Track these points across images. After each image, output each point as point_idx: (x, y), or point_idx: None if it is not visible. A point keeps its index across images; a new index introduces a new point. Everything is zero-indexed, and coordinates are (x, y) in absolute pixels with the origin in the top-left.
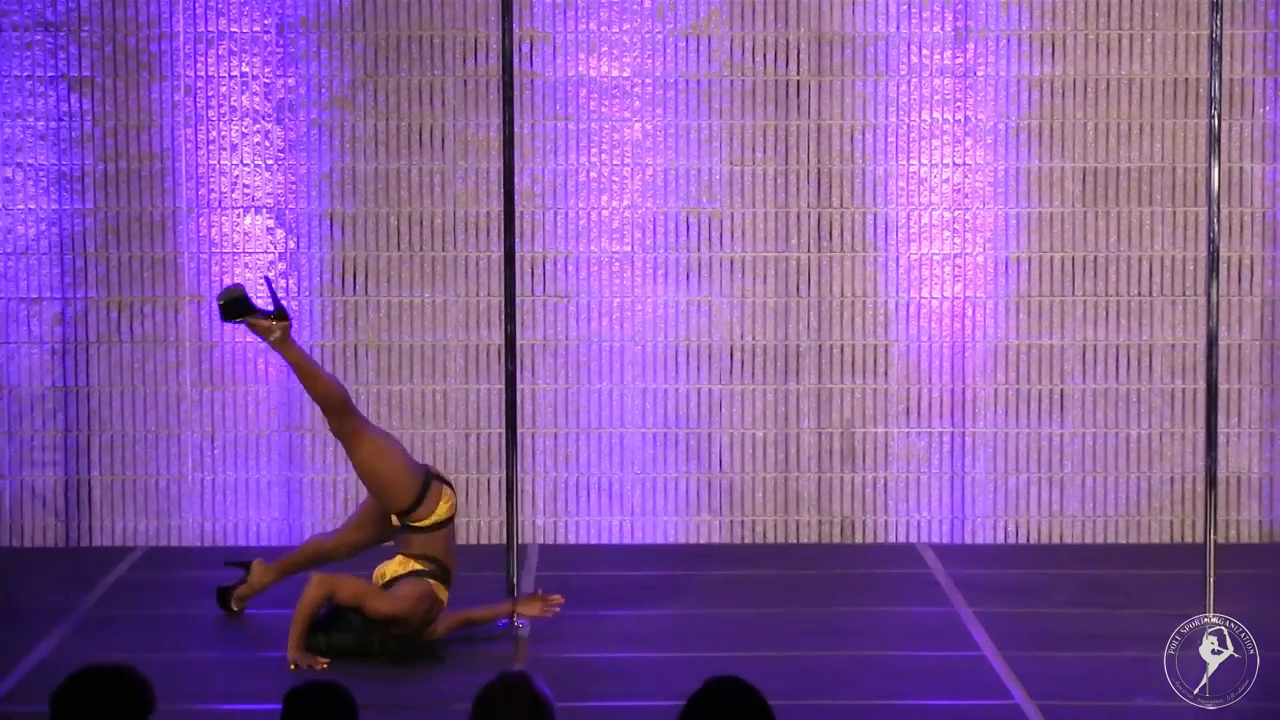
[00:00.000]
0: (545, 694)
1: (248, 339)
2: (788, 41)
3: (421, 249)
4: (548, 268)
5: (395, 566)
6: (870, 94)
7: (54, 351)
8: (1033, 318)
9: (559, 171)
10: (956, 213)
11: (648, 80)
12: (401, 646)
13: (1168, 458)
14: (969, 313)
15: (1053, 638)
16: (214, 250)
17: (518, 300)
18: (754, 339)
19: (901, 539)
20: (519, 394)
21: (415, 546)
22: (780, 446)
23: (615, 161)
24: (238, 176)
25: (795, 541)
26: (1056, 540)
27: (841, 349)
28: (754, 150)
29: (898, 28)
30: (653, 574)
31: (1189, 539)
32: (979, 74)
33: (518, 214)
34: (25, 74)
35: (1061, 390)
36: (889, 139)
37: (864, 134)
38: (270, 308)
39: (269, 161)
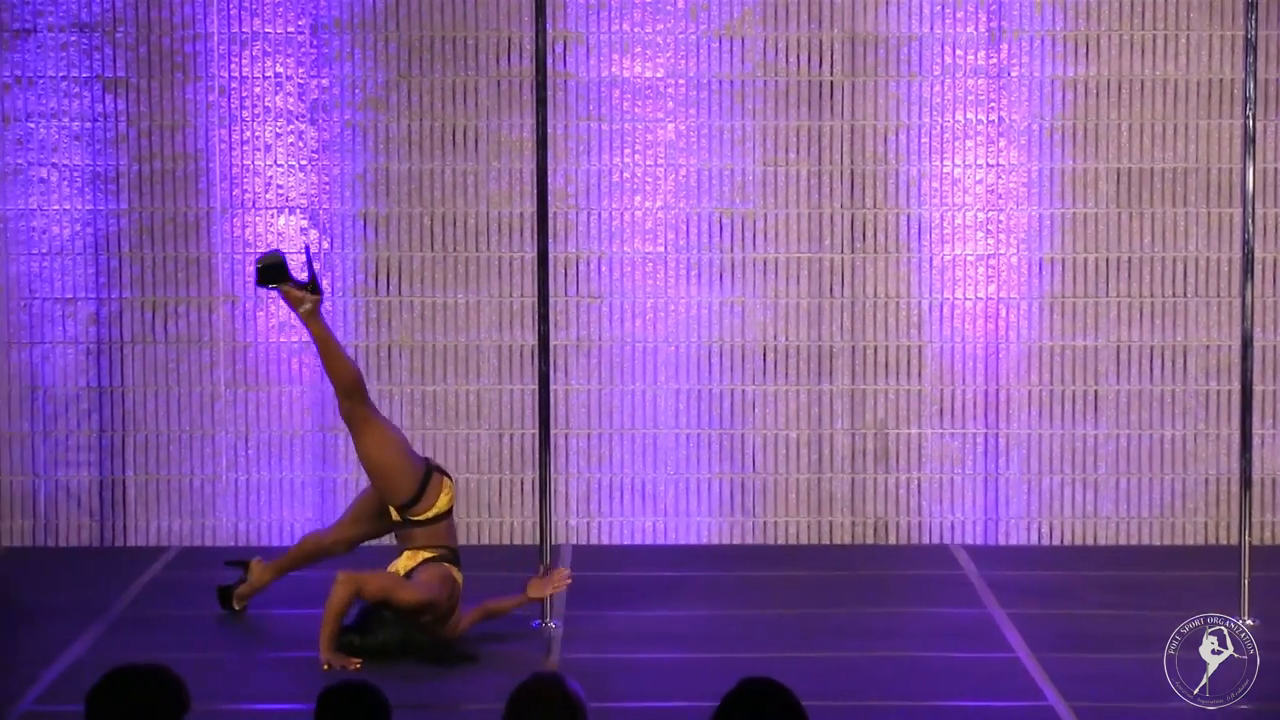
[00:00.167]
0: (578, 694)
1: (282, 339)
2: (821, 42)
3: (455, 249)
4: (581, 268)
5: (405, 562)
6: (904, 95)
7: (89, 352)
8: (1066, 319)
9: (592, 172)
10: (990, 213)
11: (681, 81)
12: (436, 646)
13: (1202, 459)
14: (1003, 314)
15: (1086, 639)
16: (248, 251)
17: (551, 301)
18: (787, 340)
19: (935, 540)
20: (552, 394)
21: (419, 539)
22: (813, 447)
23: (648, 162)
24: (271, 177)
25: (828, 543)
26: (1090, 542)
27: (875, 350)
28: (787, 151)
29: (931, 28)
30: (685, 575)
31: (1223, 540)
32: (1013, 74)
33: (551, 215)
34: (61, 75)
35: (1095, 391)
36: (923, 140)
37: (897, 135)
38: (304, 278)
39: (303, 162)
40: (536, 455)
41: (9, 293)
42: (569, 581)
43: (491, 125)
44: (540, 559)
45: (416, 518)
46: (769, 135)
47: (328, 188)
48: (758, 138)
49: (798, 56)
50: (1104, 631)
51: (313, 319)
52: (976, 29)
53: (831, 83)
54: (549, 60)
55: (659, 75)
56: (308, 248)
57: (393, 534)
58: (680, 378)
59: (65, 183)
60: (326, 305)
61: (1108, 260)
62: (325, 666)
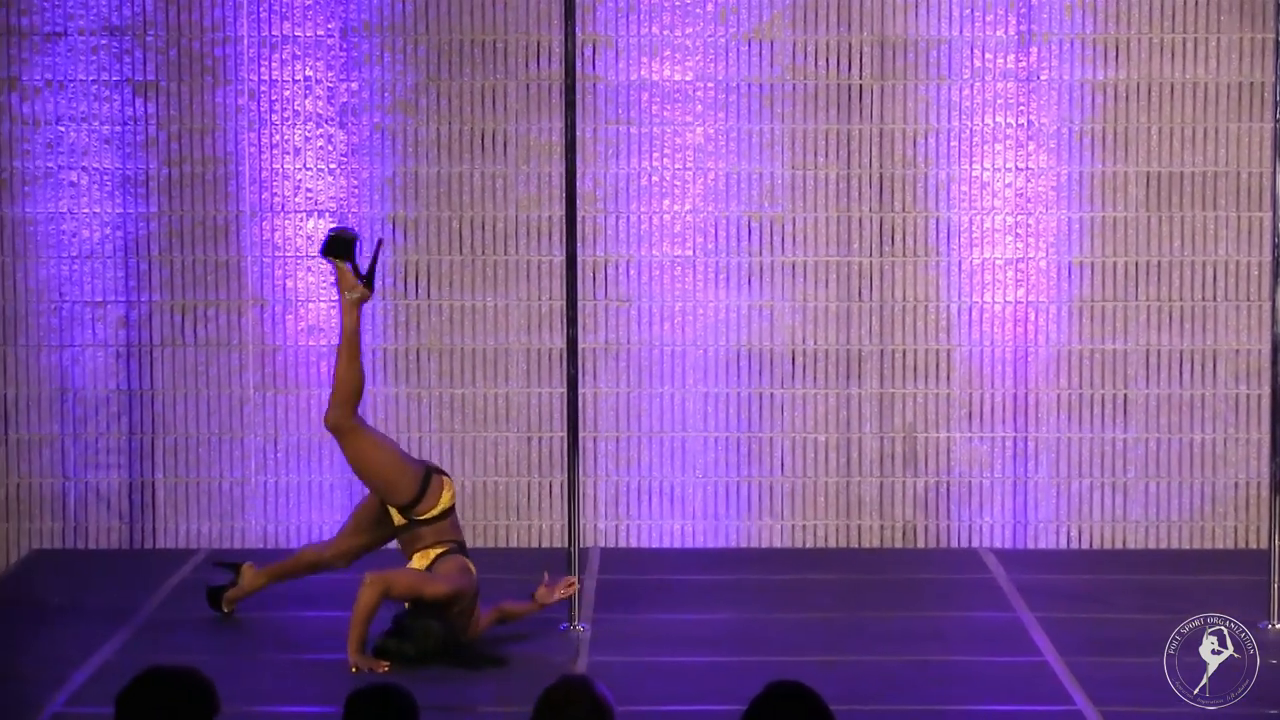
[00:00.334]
0: (606, 697)
1: (310, 342)
2: (850, 45)
3: (484, 253)
4: (609, 272)
5: (418, 562)
6: (933, 98)
7: (118, 355)
8: (1095, 322)
9: (621, 176)
10: (1019, 217)
11: (710, 84)
12: (469, 651)
13: (1231, 463)
14: (1031, 317)
15: (1115, 643)
16: (277, 254)
17: (579, 304)
18: (815, 343)
19: (963, 544)
20: (581, 398)
21: (427, 538)
22: (842, 451)
23: (677, 166)
24: (301, 180)
25: (857, 546)
26: (1119, 545)
27: (903, 354)
28: (816, 154)
29: (961, 31)
30: (714, 578)
31: (1253, 544)
32: (1042, 78)
33: (579, 218)
34: (91, 78)
35: (1124, 395)
36: (951, 143)
37: (926, 138)
38: (364, 269)
39: (332, 166)
40: (565, 458)
41: (39, 296)
42: (574, 589)
43: (520, 129)
44: (568, 562)
45: (422, 516)
46: (798, 139)
47: (357, 191)
48: (787, 141)
49: (827, 60)
50: (1133, 636)
51: (352, 310)
52: (1006, 32)
53: (861, 86)
54: (578, 64)
55: (688, 79)
56: (381, 242)
57: (397, 541)
58: (709, 381)
59: (95, 186)
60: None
61: (1137, 264)
62: (354, 669)
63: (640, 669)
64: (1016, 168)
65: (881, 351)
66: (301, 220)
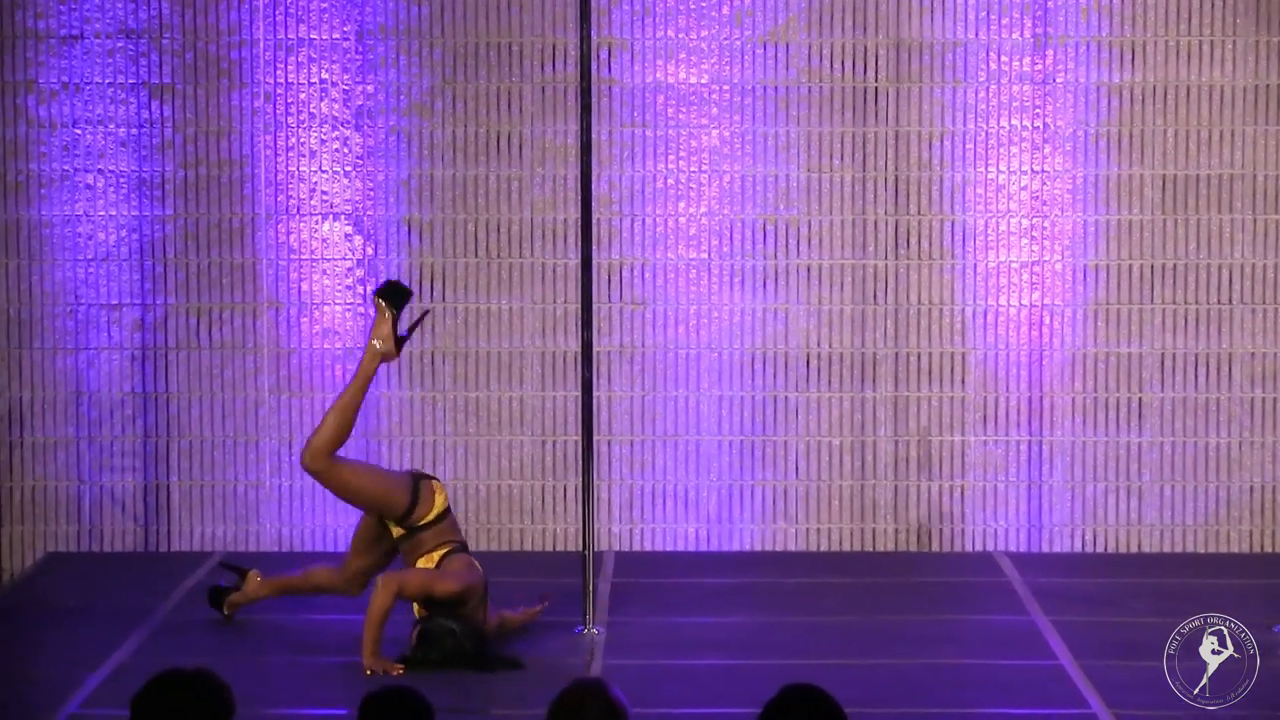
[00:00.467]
0: (621, 700)
1: (325, 345)
2: (866, 48)
3: (499, 255)
4: (625, 275)
5: (424, 565)
6: (949, 101)
7: (133, 357)
8: (1111, 326)
9: (636, 178)
10: (1035, 220)
11: (725, 87)
12: (488, 651)
13: (1247, 467)
14: (1047, 320)
15: (1131, 647)
16: (292, 257)
17: (594, 307)
18: (830, 346)
19: (978, 547)
20: (595, 401)
21: (428, 543)
22: (856, 454)
23: (692, 168)
24: (316, 183)
25: (871, 550)
26: (1134, 549)
27: (918, 357)
28: (831, 157)
29: (976, 34)
30: (728, 581)
31: (1268, 548)
32: (1058, 80)
33: (595, 221)
34: (107, 81)
35: (1140, 399)
36: (967, 146)
37: (942, 141)
38: (404, 330)
39: (347, 168)
40: (580, 461)
41: (55, 298)
42: (540, 611)
43: (536, 131)
44: (583, 566)
45: (420, 523)
46: (813, 141)
47: (372, 194)
48: (802, 144)
49: (842, 62)
50: (1148, 639)
51: (374, 360)
52: (1022, 35)
53: (876, 89)
54: (593, 66)
55: (703, 81)
56: (428, 313)
57: (401, 552)
58: (723, 384)
59: (111, 189)
60: (370, 310)
61: (1153, 267)
62: (368, 672)
63: (655, 672)
64: (1032, 171)
65: (896, 355)
66: (317, 223)
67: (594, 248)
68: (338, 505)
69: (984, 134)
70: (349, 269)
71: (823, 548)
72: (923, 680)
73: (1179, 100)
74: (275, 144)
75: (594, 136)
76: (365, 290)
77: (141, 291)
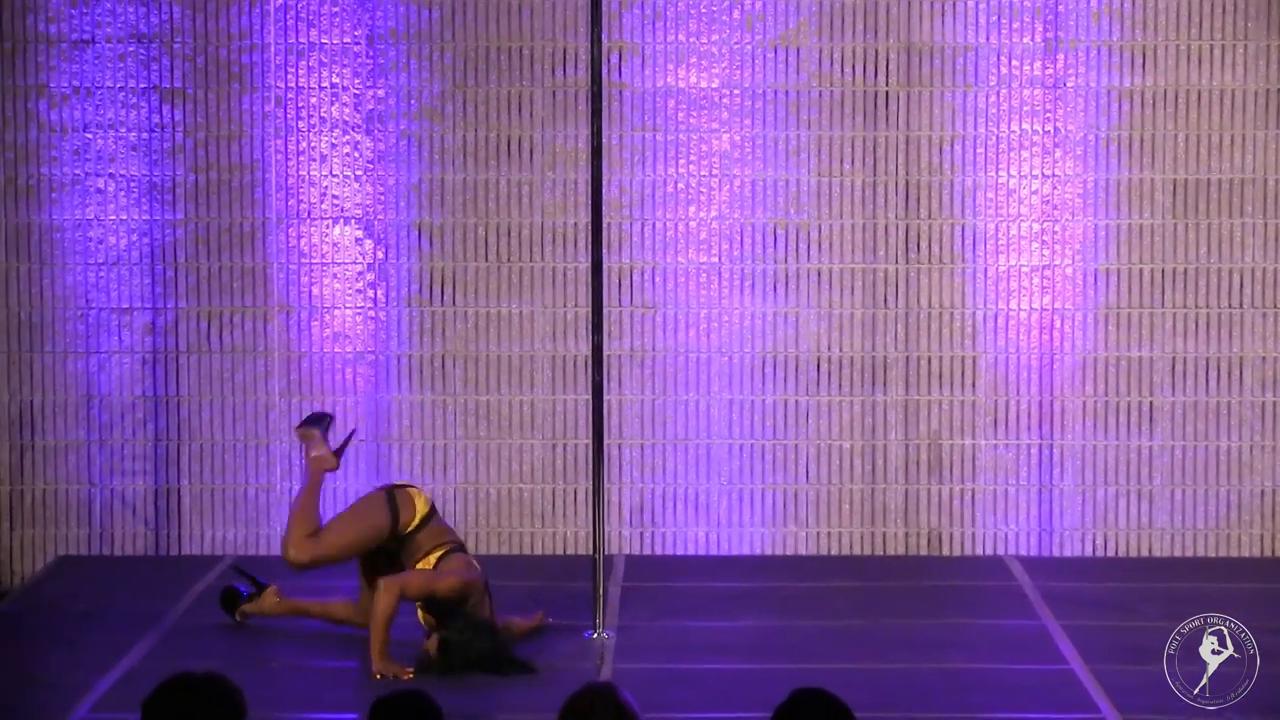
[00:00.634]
0: (631, 704)
1: (336, 349)
2: (877, 52)
3: (509, 260)
4: (635, 279)
5: (423, 567)
6: (959, 105)
7: (144, 361)
8: (1122, 330)
9: (647, 182)
10: (1045, 224)
11: (736, 91)
12: (503, 654)
13: (1258, 471)
14: (1057, 324)
15: (1141, 651)
16: (303, 261)
17: (605, 311)
18: (841, 350)
19: (989, 551)
20: (606, 405)
21: (424, 546)
22: (867, 458)
23: (703, 172)
24: (327, 187)
25: (882, 554)
26: (1145, 553)
27: (929, 360)
28: (842, 161)
29: (987, 38)
30: (739, 585)
31: (1279, 552)
32: (1069, 85)
33: (605, 225)
34: (118, 85)
35: (1151, 403)
36: (978, 150)
37: (953, 145)
38: (335, 447)
39: (358, 172)
40: (590, 465)
41: (66, 302)
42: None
43: (546, 136)
44: (593, 569)
45: (409, 529)
46: (824, 146)
47: (383, 198)
48: (813, 148)
49: (853, 67)
50: (1159, 644)
51: (318, 474)
52: (1032, 39)
53: (887, 93)
54: (604, 71)
55: (714, 86)
56: (355, 432)
57: (404, 560)
58: (734, 388)
59: (122, 193)
60: (381, 314)
61: (1163, 271)
62: (378, 676)
63: (665, 676)
64: (1043, 175)
65: (907, 358)
66: (328, 227)
67: (604, 252)
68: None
69: (995, 138)
70: (359, 273)
71: (833, 551)
72: (933, 684)
73: (1190, 105)
74: (286, 148)
75: (604, 141)
76: (376, 294)
77: (152, 295)
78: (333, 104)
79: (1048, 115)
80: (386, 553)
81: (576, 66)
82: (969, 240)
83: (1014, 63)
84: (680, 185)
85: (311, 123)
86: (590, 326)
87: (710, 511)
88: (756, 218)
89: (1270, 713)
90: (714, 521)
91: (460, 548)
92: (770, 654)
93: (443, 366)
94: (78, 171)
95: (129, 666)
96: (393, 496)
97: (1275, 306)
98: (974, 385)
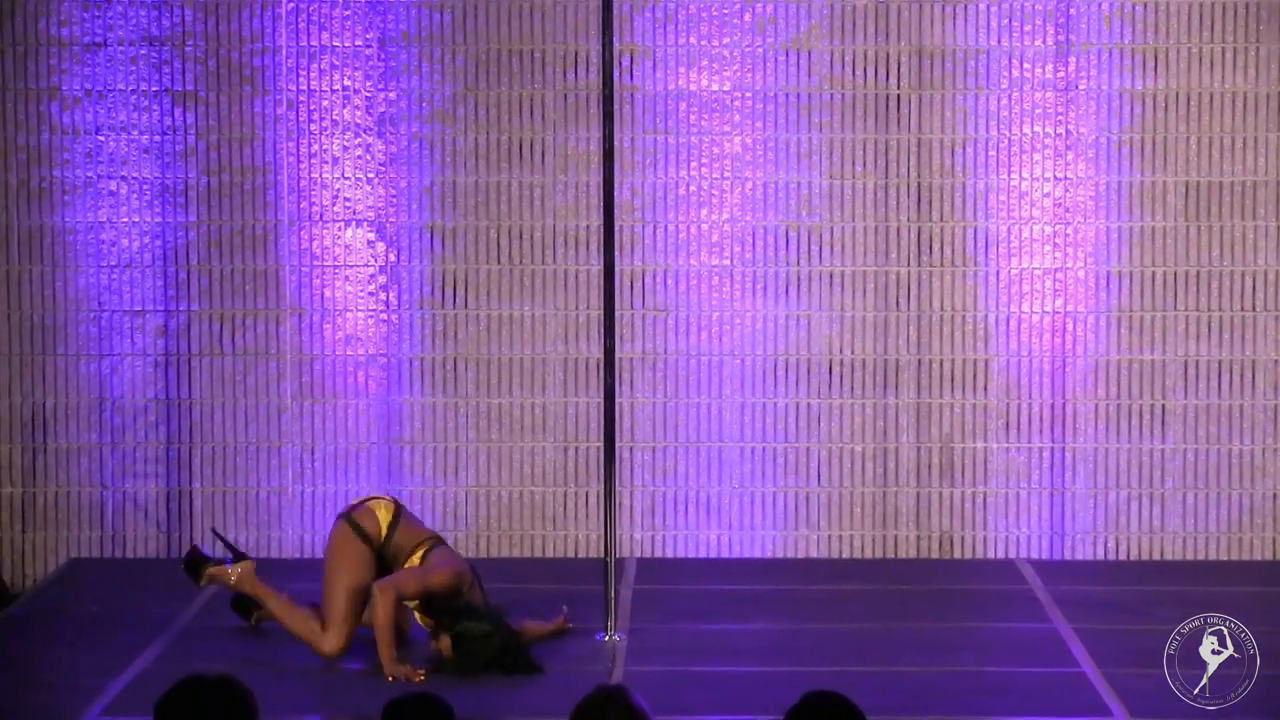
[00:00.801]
0: (642, 707)
1: (348, 352)
2: (888, 55)
3: (521, 262)
4: (647, 281)
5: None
6: (971, 108)
7: (156, 364)
8: (1134, 333)
9: (659, 185)
10: (1057, 227)
11: (748, 94)
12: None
13: (1270, 474)
14: (1069, 327)
15: (1154, 655)
16: (315, 264)
17: (617, 314)
18: (853, 353)
19: (1001, 554)
20: (618, 407)
21: (405, 547)
22: (879, 461)
23: (715, 175)
24: (339, 190)
25: (893, 557)
26: (1158, 557)
27: (941, 363)
28: (854, 164)
29: (999, 41)
30: (750, 588)
31: None
32: (1080, 88)
33: (617, 228)
34: (130, 88)
35: (1163, 406)
36: (989, 153)
37: (964, 148)
38: (228, 555)
39: (370, 175)
40: (602, 468)
41: (78, 305)
42: (562, 625)
43: (558, 138)
44: (604, 572)
45: (383, 538)
46: (836, 148)
47: (395, 201)
48: (824, 151)
49: (865, 70)
50: None
51: (253, 586)
52: (1044, 42)
53: (899, 96)
54: (616, 73)
55: (726, 88)
56: (214, 530)
57: (392, 566)
58: (745, 391)
59: (134, 195)
60: (393, 317)
61: (1176, 274)
62: (390, 679)
63: (676, 678)
64: (1055, 177)
65: (919, 361)
66: (340, 229)
67: (616, 254)
68: None
69: (1006, 141)
70: (371, 275)
71: (845, 554)
72: (944, 687)
73: (1202, 107)
74: (298, 151)
75: (616, 143)
76: (388, 297)
77: (164, 298)
78: (344, 107)
79: (1059, 118)
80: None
81: (588, 69)
82: (981, 243)
83: (1026, 66)
84: (692, 188)
85: (323, 125)
86: (602, 329)
87: (722, 514)
88: (768, 220)
89: (1270, 714)
90: (725, 524)
91: (440, 541)
92: (782, 657)
93: (454, 369)
94: (90, 174)
95: (141, 669)
96: (352, 520)
97: None
98: (986, 388)
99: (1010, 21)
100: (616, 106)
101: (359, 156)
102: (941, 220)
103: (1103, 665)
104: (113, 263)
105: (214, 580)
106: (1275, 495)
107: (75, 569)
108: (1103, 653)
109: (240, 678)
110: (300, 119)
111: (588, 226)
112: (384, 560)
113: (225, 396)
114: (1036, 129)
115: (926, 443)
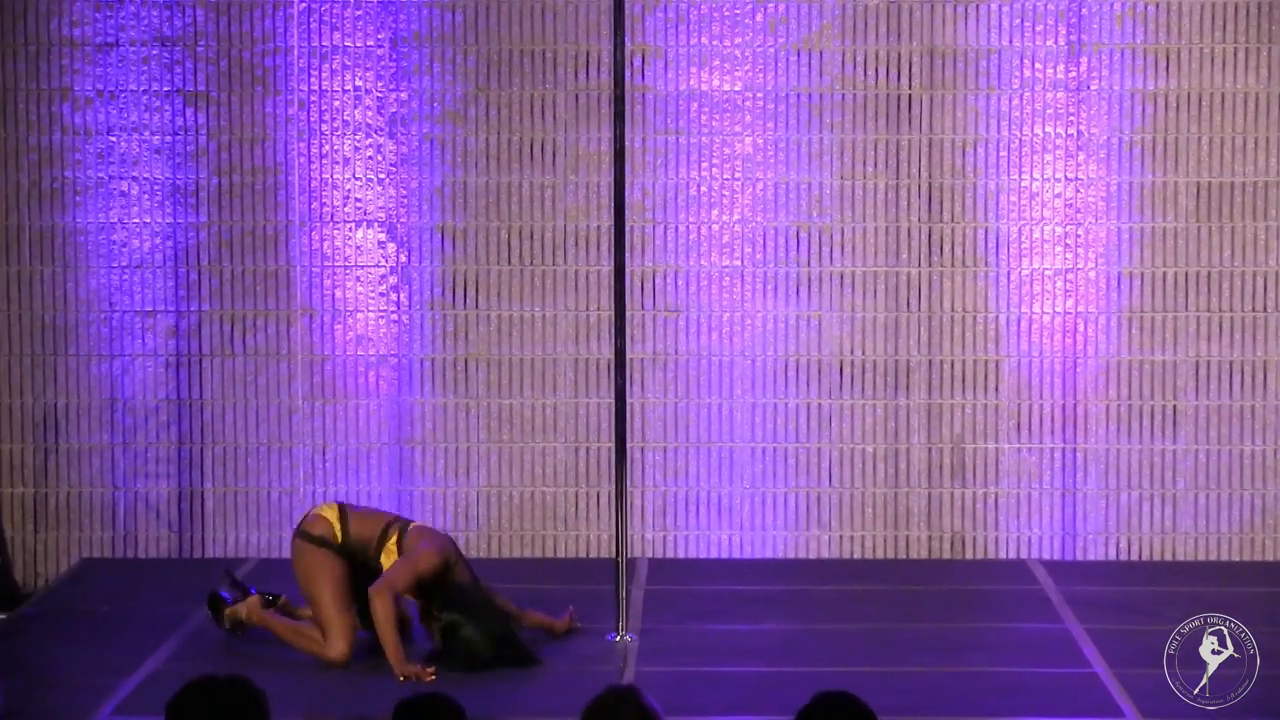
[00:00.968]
0: (654, 707)
1: (359, 352)
2: (899, 55)
3: (532, 263)
4: (658, 282)
5: (390, 558)
6: (982, 108)
7: (168, 364)
8: (1145, 333)
9: (669, 186)
10: (1069, 227)
11: (759, 94)
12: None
13: None
14: (1080, 328)
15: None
16: (326, 264)
17: (628, 314)
18: (864, 354)
19: (1012, 555)
20: (629, 408)
21: (370, 540)
22: (890, 462)
23: (726, 176)
24: (350, 190)
25: (905, 557)
26: (1169, 557)
27: (952, 364)
28: (865, 164)
29: (1010, 41)
30: (762, 589)
31: None
32: (1092, 88)
33: (628, 228)
34: (142, 88)
35: (1174, 406)
36: (1001, 153)
37: (976, 148)
38: (236, 592)
39: (381, 175)
40: (613, 469)
41: (89, 305)
42: (569, 625)
43: (569, 139)
44: (615, 572)
45: (339, 540)
46: (847, 149)
47: (406, 201)
48: (835, 151)
49: (876, 70)
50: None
51: (262, 618)
52: (1056, 43)
53: (910, 96)
54: (627, 74)
55: (737, 89)
56: (224, 569)
57: (373, 561)
58: (757, 391)
59: (146, 196)
60: (404, 318)
61: (1187, 275)
62: (400, 679)
63: (687, 679)
64: (1066, 178)
65: (930, 362)
66: (351, 230)
67: (627, 255)
68: None
69: (1018, 141)
70: (382, 276)
71: (856, 555)
72: (955, 688)
73: (1213, 107)
74: (309, 151)
75: (627, 144)
76: (399, 297)
77: (176, 298)
78: (356, 107)
79: (1071, 118)
80: (361, 572)
81: (599, 69)
82: (992, 243)
83: (1037, 66)
84: (703, 188)
85: (334, 126)
86: (613, 330)
87: (733, 515)
88: (779, 221)
89: (1271, 714)
90: (736, 525)
91: (400, 519)
92: (793, 657)
93: (465, 370)
94: (101, 174)
95: (152, 669)
96: (304, 534)
97: None
98: (997, 389)
99: (1022, 22)
100: (628, 107)
101: (370, 157)
102: (952, 221)
103: (1114, 666)
104: (124, 263)
105: (232, 619)
106: None
107: (87, 569)
108: (1114, 653)
109: (252, 678)
110: (311, 119)
111: (598, 227)
112: (353, 556)
113: (236, 397)
114: (1048, 129)
115: (938, 443)
